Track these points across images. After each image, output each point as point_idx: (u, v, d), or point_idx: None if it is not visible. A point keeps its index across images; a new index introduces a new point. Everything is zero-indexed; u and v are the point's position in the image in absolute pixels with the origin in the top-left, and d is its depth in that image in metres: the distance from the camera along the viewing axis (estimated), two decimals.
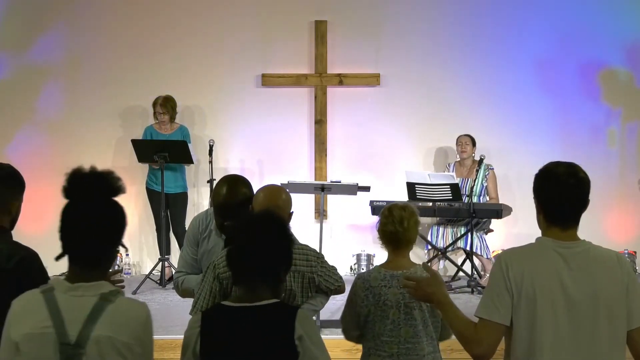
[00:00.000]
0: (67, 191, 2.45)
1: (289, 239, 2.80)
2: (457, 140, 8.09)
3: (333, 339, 4.97)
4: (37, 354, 2.35)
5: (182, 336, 2.69)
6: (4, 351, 2.40)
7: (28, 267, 2.89)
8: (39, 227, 7.47)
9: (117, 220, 2.48)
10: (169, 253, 7.87)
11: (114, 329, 2.36)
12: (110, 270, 2.69)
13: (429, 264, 7.52)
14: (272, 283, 2.73)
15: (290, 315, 2.67)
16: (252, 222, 2.81)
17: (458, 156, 8.12)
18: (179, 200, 7.96)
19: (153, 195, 7.89)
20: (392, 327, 3.43)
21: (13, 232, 3.11)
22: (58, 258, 2.46)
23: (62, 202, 2.45)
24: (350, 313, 3.55)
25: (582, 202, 2.77)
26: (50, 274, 2.99)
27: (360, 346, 3.64)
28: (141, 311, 2.45)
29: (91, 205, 2.42)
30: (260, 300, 2.67)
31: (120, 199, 2.50)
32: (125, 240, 2.52)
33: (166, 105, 7.91)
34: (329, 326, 5.80)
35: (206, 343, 2.64)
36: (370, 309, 3.46)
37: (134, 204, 8.35)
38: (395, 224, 3.46)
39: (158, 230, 7.89)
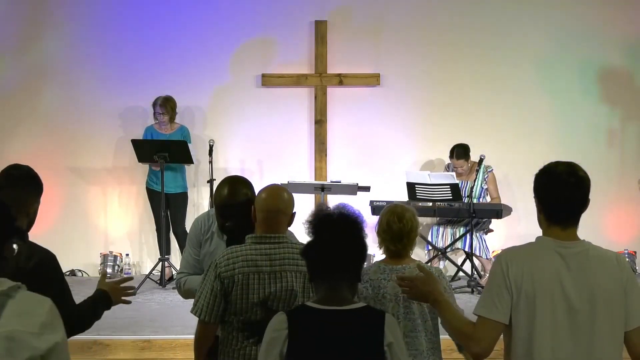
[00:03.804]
0: None
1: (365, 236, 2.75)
2: (450, 158, 7.92)
3: None
4: None
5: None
6: None
7: (46, 267, 2.92)
8: (39, 227, 7.46)
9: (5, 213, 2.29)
10: (169, 253, 7.86)
11: (19, 321, 2.14)
12: (118, 277, 2.65)
13: (429, 264, 7.51)
14: (354, 284, 2.70)
15: (380, 320, 2.63)
16: (335, 219, 2.73)
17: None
18: (179, 201, 7.95)
19: (153, 195, 7.88)
20: None
21: None
22: None
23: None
24: None
25: (582, 202, 2.77)
26: None
27: None
28: (45, 301, 2.22)
29: None
30: (346, 302, 2.64)
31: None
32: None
33: (166, 106, 7.91)
34: None
35: (294, 345, 2.59)
36: (369, 302, 3.45)
37: (134, 204, 8.34)
38: (397, 223, 3.50)
39: (158, 230, 7.88)
